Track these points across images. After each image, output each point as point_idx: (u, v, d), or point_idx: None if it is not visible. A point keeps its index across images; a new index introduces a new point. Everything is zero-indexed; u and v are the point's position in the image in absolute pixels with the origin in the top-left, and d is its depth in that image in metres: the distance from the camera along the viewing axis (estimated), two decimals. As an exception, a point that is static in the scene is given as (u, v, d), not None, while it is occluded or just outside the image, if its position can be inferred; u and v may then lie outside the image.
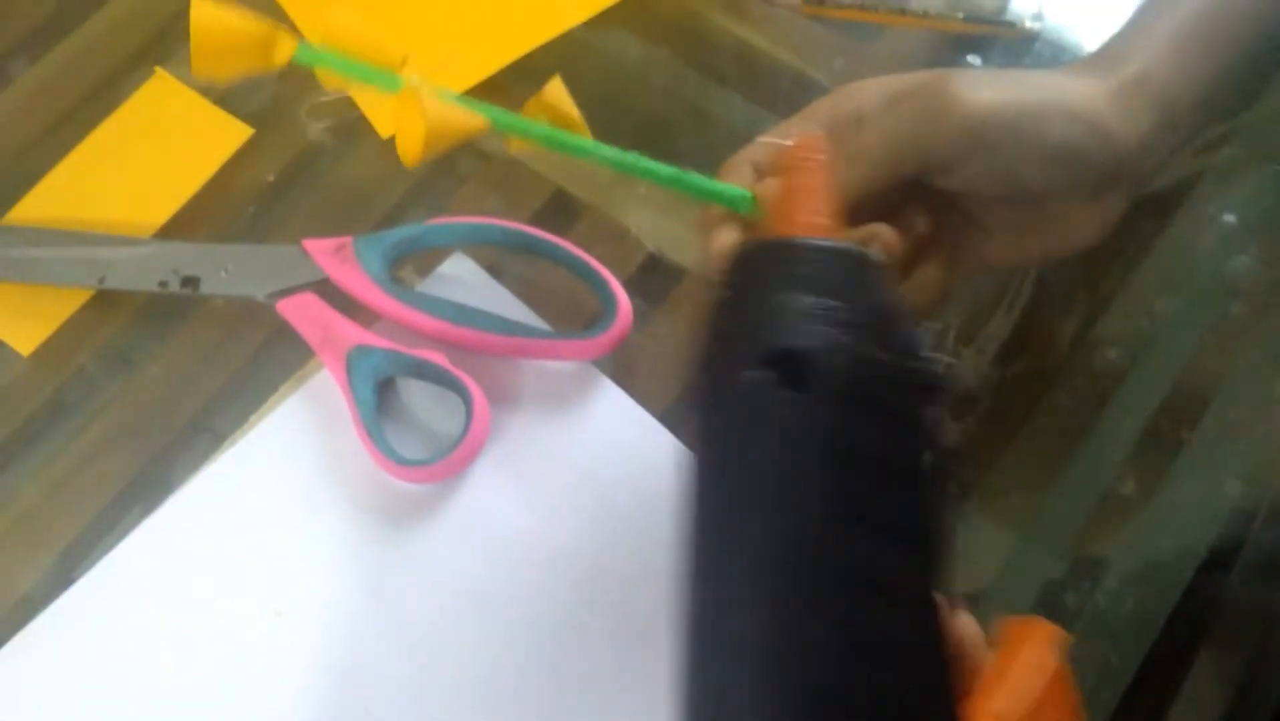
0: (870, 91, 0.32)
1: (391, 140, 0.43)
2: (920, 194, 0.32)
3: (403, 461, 0.35)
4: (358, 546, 0.36)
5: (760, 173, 0.32)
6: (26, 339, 0.40)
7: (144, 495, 0.38)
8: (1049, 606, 0.35)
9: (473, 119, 0.30)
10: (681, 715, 0.21)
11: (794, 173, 0.25)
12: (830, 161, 0.27)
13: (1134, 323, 0.40)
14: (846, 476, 0.20)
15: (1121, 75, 0.32)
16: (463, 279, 0.40)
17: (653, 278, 0.41)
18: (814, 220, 0.23)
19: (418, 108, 0.29)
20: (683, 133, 0.44)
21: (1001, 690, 0.22)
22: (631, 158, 0.31)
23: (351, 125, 0.44)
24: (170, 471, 0.38)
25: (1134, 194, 0.33)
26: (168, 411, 0.39)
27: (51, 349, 0.40)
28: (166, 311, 0.40)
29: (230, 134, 0.43)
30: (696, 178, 0.31)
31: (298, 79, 0.44)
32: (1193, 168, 0.42)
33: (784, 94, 0.45)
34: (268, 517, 0.36)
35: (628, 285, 0.39)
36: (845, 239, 0.25)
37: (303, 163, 0.43)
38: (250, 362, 0.40)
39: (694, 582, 0.21)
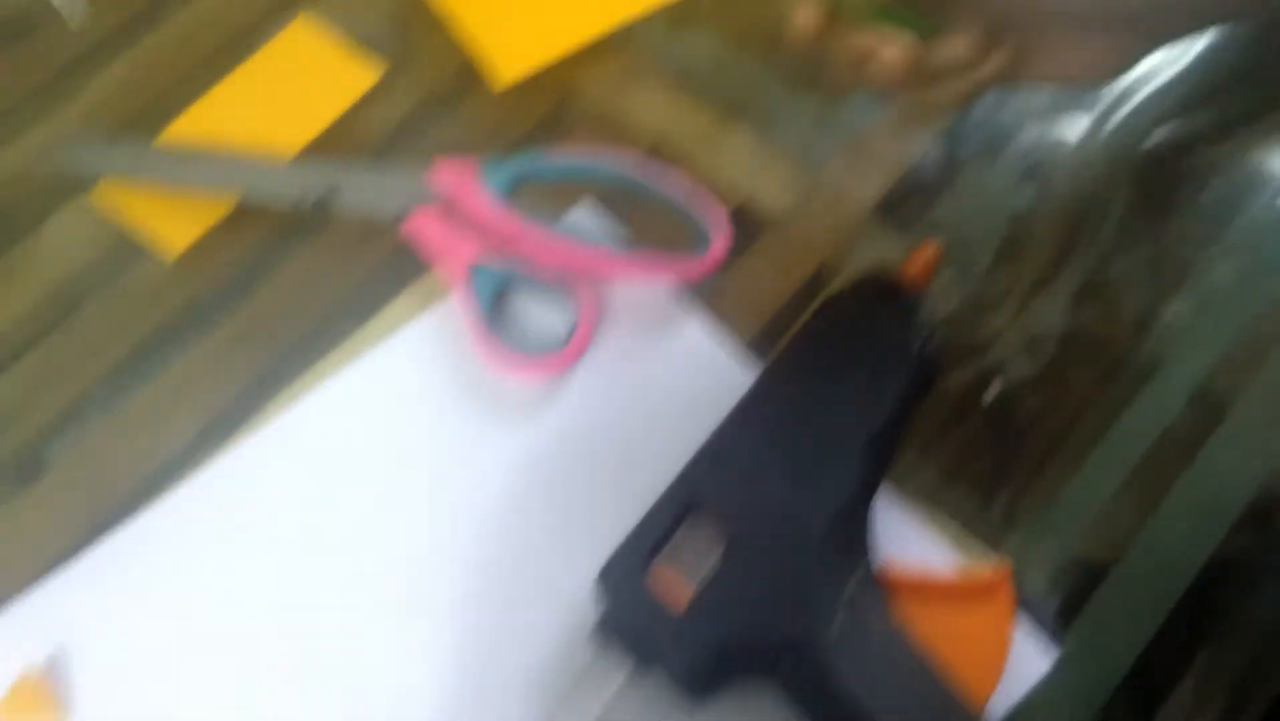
0: None
1: (508, 89, 0.47)
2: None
3: (514, 354, 0.38)
4: (470, 447, 0.39)
5: None
6: (174, 244, 0.44)
7: (270, 388, 0.41)
8: (1099, 536, 0.38)
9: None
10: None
11: (914, 256, 0.39)
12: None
13: (1199, 282, 0.42)
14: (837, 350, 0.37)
15: None
16: (585, 222, 0.43)
17: (741, 224, 0.44)
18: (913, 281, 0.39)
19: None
20: (775, 105, 0.48)
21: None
22: None
23: (470, 73, 0.48)
24: (295, 369, 0.42)
25: (1153, 40, 0.35)
26: (295, 315, 0.43)
27: (196, 254, 0.44)
28: (299, 227, 0.44)
29: (363, 74, 0.48)
30: None
31: (424, 28, 0.49)
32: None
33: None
34: (389, 422, 0.40)
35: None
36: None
37: (426, 105, 0.47)
38: (374, 274, 0.43)
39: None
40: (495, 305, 0.41)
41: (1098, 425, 0.40)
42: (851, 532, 0.33)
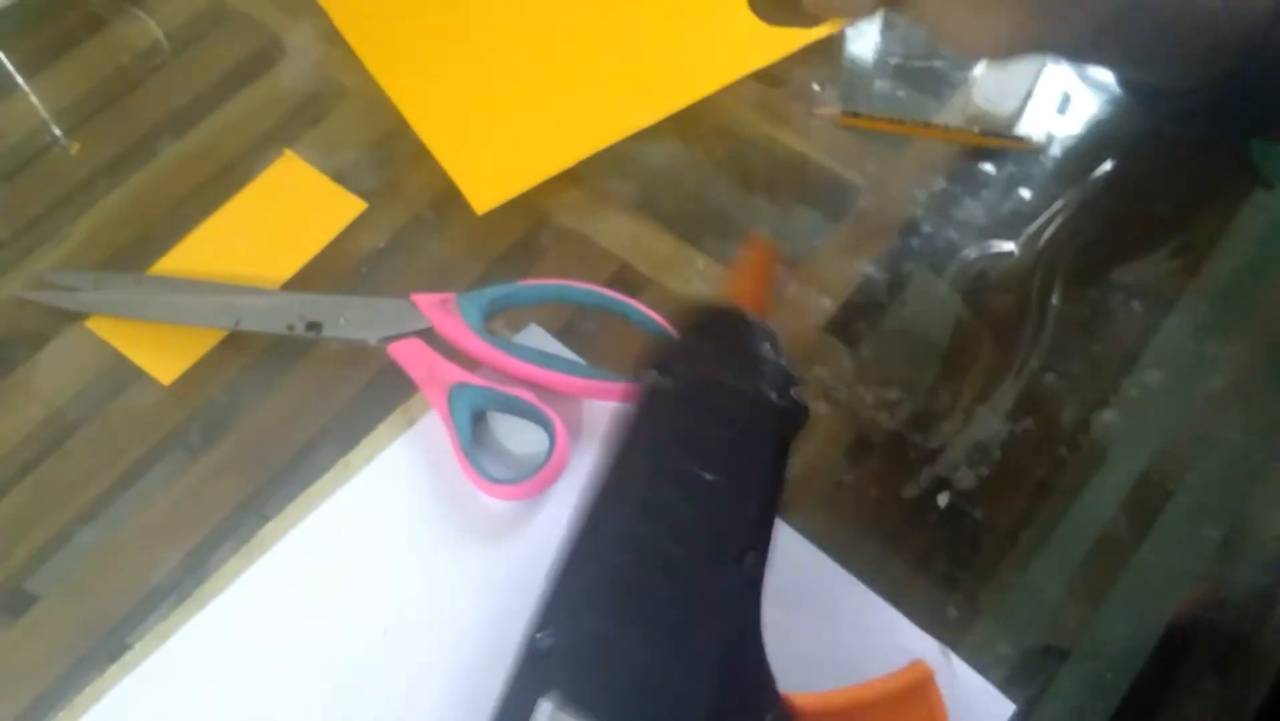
0: None
1: (482, 216, 0.50)
2: None
3: (495, 480, 0.41)
4: (452, 564, 0.41)
5: None
6: (167, 370, 0.46)
7: (261, 509, 0.43)
8: (1053, 624, 0.40)
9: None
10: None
11: (743, 258, 0.35)
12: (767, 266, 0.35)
13: (1127, 391, 0.46)
14: (673, 445, 0.32)
15: None
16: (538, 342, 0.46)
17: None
18: (741, 296, 0.34)
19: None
20: (724, 230, 0.51)
21: (846, 690, 0.31)
22: None
23: (449, 202, 0.51)
24: (286, 490, 0.44)
25: (1036, 39, 0.36)
26: (285, 437, 0.45)
27: (188, 380, 0.46)
28: (289, 352, 0.47)
29: (347, 206, 0.51)
30: None
31: (406, 162, 0.52)
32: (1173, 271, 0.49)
33: (824, 194, 0.52)
34: (378, 541, 0.42)
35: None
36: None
37: (407, 233, 0.50)
38: (359, 398, 0.46)
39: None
40: (476, 426, 0.43)
41: (1043, 526, 0.43)
42: (747, 676, 0.28)
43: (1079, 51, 0.43)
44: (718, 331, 0.32)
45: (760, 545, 0.30)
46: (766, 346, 0.32)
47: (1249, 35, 0.40)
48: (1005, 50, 0.37)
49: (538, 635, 0.30)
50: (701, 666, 0.28)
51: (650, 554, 0.30)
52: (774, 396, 0.31)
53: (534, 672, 0.30)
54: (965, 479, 0.43)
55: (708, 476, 0.30)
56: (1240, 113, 0.43)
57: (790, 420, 0.31)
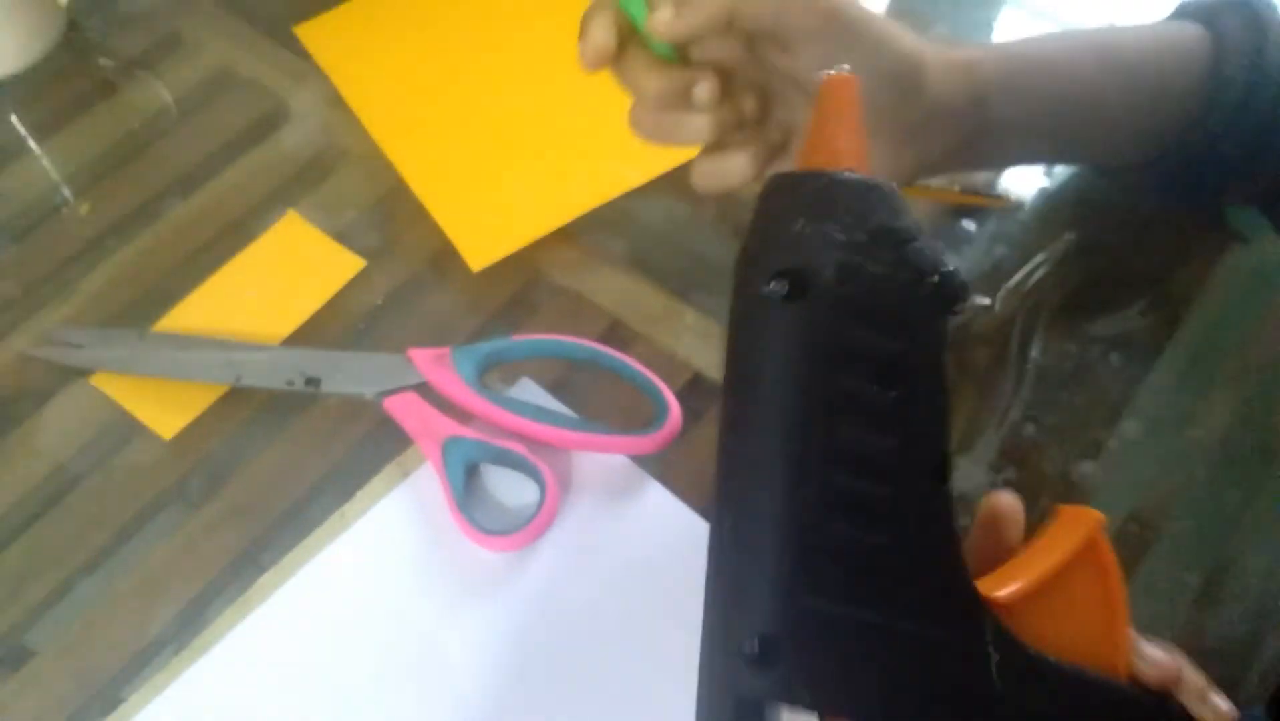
0: None
1: (478, 273, 0.52)
2: (753, 76, 0.36)
3: (487, 531, 0.42)
4: (445, 614, 0.42)
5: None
6: (168, 425, 0.48)
7: (259, 560, 0.44)
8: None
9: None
10: (709, 545, 0.26)
11: (822, 107, 0.28)
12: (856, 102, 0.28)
13: (1107, 442, 0.47)
14: (837, 372, 0.25)
15: (956, 55, 0.38)
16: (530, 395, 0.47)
17: (695, 395, 0.48)
18: (833, 153, 0.27)
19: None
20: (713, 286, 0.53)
21: (1018, 565, 0.26)
22: None
23: (446, 260, 0.52)
24: (283, 542, 0.45)
25: (924, 162, 0.37)
26: (283, 490, 0.46)
27: (189, 434, 0.47)
28: (288, 406, 0.48)
29: (347, 264, 0.52)
30: None
31: (405, 221, 0.54)
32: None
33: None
34: (373, 592, 0.43)
35: (675, 398, 0.46)
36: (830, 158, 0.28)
37: (405, 290, 0.52)
38: (356, 451, 0.47)
39: (721, 444, 0.26)
40: (469, 478, 0.44)
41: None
42: (965, 597, 0.26)
43: (978, 164, 0.44)
44: (831, 206, 0.25)
45: (948, 467, 0.26)
46: (893, 210, 0.26)
47: (1182, 121, 0.42)
48: (895, 179, 0.38)
49: (748, 640, 0.24)
50: (933, 612, 0.25)
51: (853, 508, 0.25)
52: (932, 276, 0.25)
53: (758, 678, 0.24)
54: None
55: (891, 394, 0.25)
56: (1190, 184, 0.45)
57: (951, 298, 0.26)
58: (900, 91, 0.36)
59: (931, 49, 0.38)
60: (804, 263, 0.25)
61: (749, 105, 0.38)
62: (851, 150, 0.27)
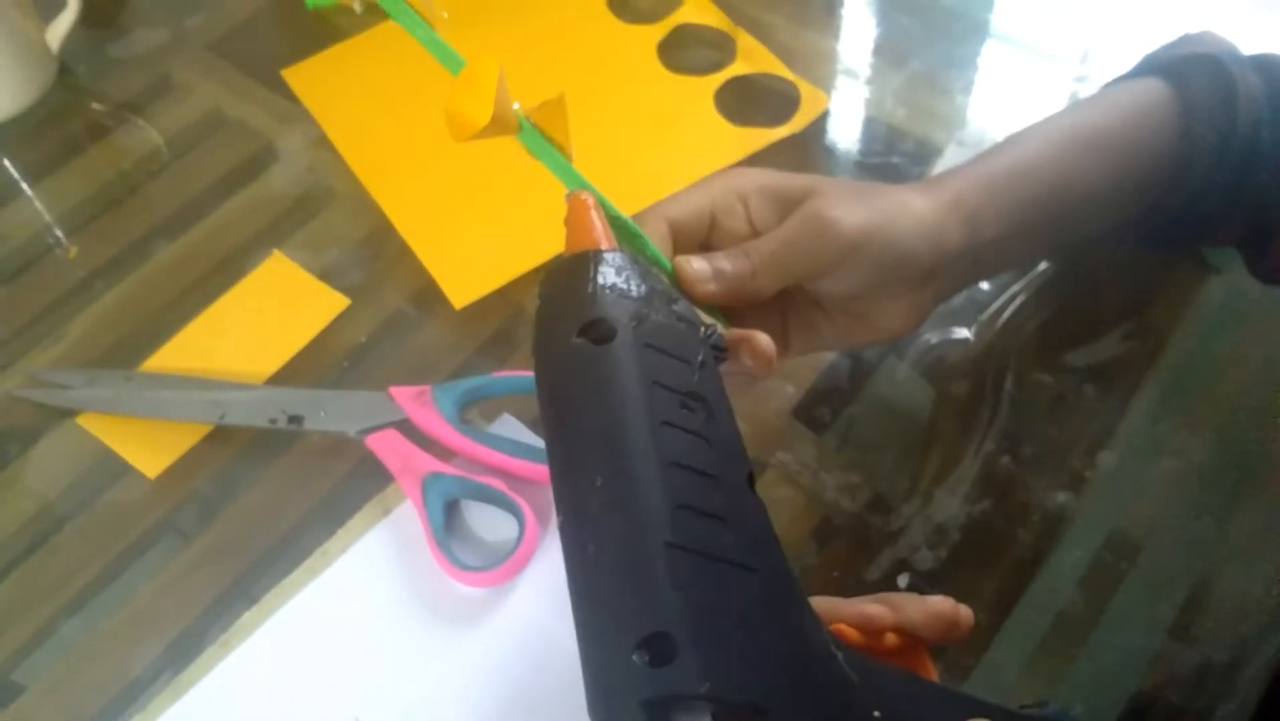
0: (752, 180, 0.39)
1: (461, 310, 0.52)
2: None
3: (466, 567, 0.42)
4: (425, 649, 0.42)
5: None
6: (153, 464, 0.48)
7: (242, 598, 0.45)
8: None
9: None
10: (571, 578, 0.27)
11: (572, 217, 0.33)
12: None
13: (1082, 473, 0.47)
14: (652, 397, 0.28)
15: (943, 195, 0.40)
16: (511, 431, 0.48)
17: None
18: (594, 241, 0.32)
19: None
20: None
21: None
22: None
23: (429, 297, 0.53)
24: (266, 579, 0.45)
25: (940, 296, 0.41)
26: (267, 527, 0.47)
27: (173, 473, 0.48)
28: (271, 444, 0.49)
29: (331, 303, 0.53)
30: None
31: (389, 259, 0.54)
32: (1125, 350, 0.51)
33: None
34: (354, 627, 0.43)
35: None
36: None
37: (388, 327, 0.53)
38: (338, 488, 0.47)
39: (559, 490, 0.28)
40: (448, 513, 0.45)
41: (1001, 607, 0.43)
42: (805, 611, 0.29)
43: (985, 277, 0.48)
44: (612, 271, 0.30)
45: (752, 473, 0.29)
46: (654, 277, 0.31)
47: (1161, 183, 0.42)
48: (914, 326, 0.41)
49: (639, 644, 0.25)
50: (790, 600, 0.28)
51: (694, 508, 0.27)
52: (703, 328, 0.31)
53: (659, 679, 0.25)
54: (925, 560, 0.44)
55: (699, 415, 0.29)
56: (1170, 238, 0.45)
57: (720, 347, 0.31)
58: (904, 259, 0.38)
59: (922, 200, 0.39)
60: (604, 313, 0.29)
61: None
62: (606, 238, 0.32)
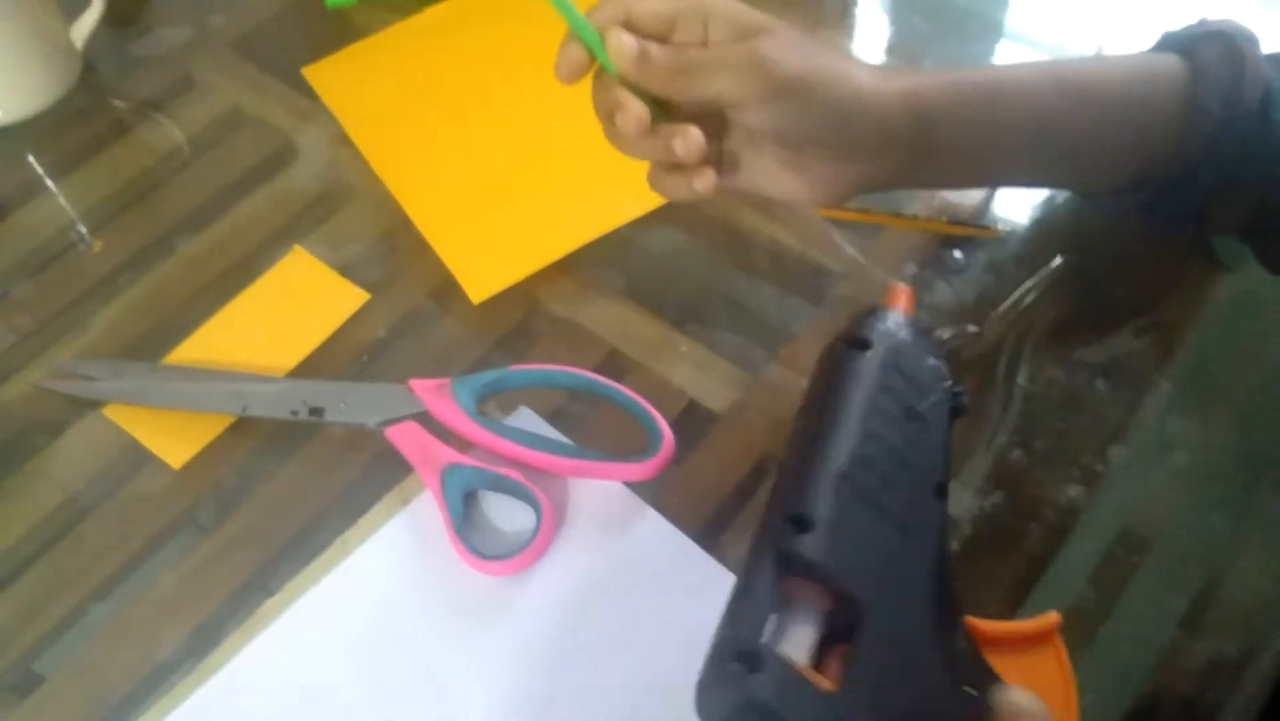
0: (719, 3, 0.39)
1: (478, 305, 0.53)
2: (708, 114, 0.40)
3: (484, 556, 0.43)
4: (443, 637, 0.43)
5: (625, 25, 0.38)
6: (177, 455, 0.49)
7: (265, 586, 0.45)
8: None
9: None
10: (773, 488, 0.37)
11: (894, 294, 0.42)
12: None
13: (1094, 467, 0.47)
14: (876, 394, 0.38)
15: (899, 82, 0.40)
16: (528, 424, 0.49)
17: (689, 423, 0.49)
18: (892, 304, 0.42)
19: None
20: (707, 316, 0.54)
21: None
22: None
23: (447, 292, 0.54)
24: (288, 568, 0.46)
25: (869, 178, 0.41)
26: (289, 517, 0.47)
27: (197, 464, 0.49)
28: (293, 436, 0.49)
29: (351, 297, 0.54)
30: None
31: (408, 254, 0.55)
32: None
33: (804, 281, 0.55)
34: (373, 615, 0.44)
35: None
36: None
37: (407, 321, 0.53)
38: (358, 479, 0.48)
39: (792, 434, 0.39)
40: (467, 504, 0.46)
41: (1012, 600, 0.44)
42: (947, 591, 0.35)
43: (931, 183, 0.48)
44: (884, 322, 0.41)
45: (947, 491, 0.37)
46: (931, 344, 0.41)
47: (1162, 151, 0.43)
48: (836, 197, 0.42)
49: (786, 524, 0.34)
50: (923, 564, 0.35)
51: (876, 473, 0.36)
52: (949, 381, 0.39)
53: (796, 539, 0.34)
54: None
55: (912, 424, 0.38)
56: (1171, 212, 0.46)
57: (958, 409, 0.39)
58: (835, 119, 0.39)
59: (870, 77, 0.40)
60: (866, 336, 0.40)
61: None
62: (904, 306, 0.42)
